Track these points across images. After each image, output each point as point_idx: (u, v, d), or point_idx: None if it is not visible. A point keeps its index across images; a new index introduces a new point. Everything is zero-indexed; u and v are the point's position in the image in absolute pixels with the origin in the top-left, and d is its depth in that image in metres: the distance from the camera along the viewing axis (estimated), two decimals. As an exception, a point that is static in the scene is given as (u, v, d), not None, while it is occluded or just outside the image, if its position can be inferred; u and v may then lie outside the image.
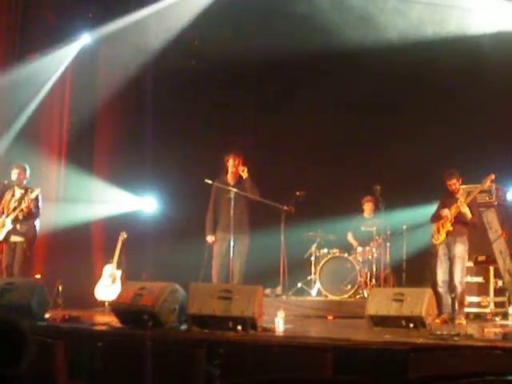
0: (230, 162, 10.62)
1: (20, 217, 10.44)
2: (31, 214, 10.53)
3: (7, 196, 10.67)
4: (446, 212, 10.00)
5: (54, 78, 12.90)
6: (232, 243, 10.23)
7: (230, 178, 10.65)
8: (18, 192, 10.62)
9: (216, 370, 5.59)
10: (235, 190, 10.32)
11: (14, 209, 10.48)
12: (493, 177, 9.88)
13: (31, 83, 12.46)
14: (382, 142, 12.32)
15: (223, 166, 10.75)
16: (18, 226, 10.46)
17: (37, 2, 13.06)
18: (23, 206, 10.40)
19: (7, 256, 10.53)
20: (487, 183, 10.02)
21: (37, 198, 10.51)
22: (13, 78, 12.13)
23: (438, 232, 10.06)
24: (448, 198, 10.14)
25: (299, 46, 12.39)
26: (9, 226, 10.43)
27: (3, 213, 10.60)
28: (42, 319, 8.69)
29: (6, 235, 10.45)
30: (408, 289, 9.14)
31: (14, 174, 10.60)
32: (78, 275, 12.01)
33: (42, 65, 12.63)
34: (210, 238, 10.59)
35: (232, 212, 10.25)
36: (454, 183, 10.05)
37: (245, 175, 10.50)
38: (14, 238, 10.48)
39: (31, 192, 10.48)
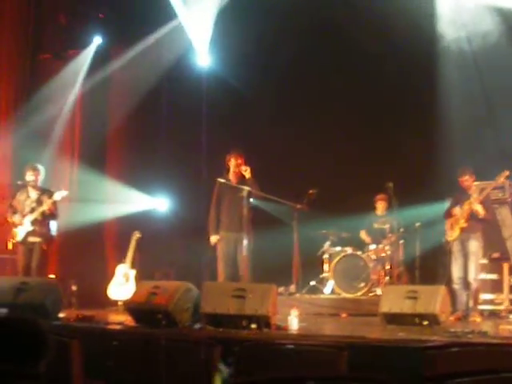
0: (232, 162, 10.56)
1: (39, 218, 10.47)
2: (53, 216, 10.57)
3: (20, 197, 10.65)
4: (456, 211, 9.99)
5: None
6: (244, 242, 10.22)
7: (232, 178, 10.62)
8: (34, 193, 10.60)
9: (230, 368, 5.59)
10: (248, 188, 10.30)
11: (32, 210, 10.50)
12: (507, 173, 9.85)
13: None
14: (394, 139, 12.29)
15: (225, 166, 10.73)
16: (36, 227, 10.48)
17: (49, 3, 13.15)
18: (45, 207, 10.42)
19: (24, 257, 10.53)
20: (501, 179, 10.00)
21: (53, 199, 10.52)
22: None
23: (452, 229, 10.04)
24: (461, 195, 10.13)
25: (312, 43, 12.44)
26: (28, 227, 10.45)
27: (15, 213, 10.61)
28: (56, 319, 8.73)
29: (25, 236, 10.48)
30: (421, 286, 9.13)
31: (30, 176, 10.59)
32: (92, 275, 12.06)
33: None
34: (214, 238, 10.48)
35: (245, 210, 10.22)
36: (467, 179, 10.03)
37: (247, 175, 10.45)
38: (33, 239, 10.50)
39: (50, 194, 10.50)
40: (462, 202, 10.00)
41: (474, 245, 9.89)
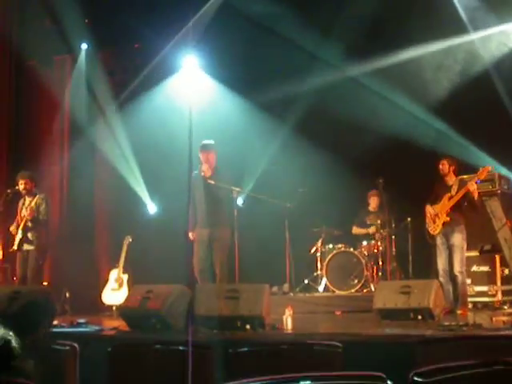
0: (201, 156, 10.10)
1: (29, 224, 10.48)
2: (38, 221, 10.55)
3: (19, 204, 10.73)
4: (428, 210, 10.01)
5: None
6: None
7: (204, 172, 10.03)
8: (28, 200, 10.67)
9: (225, 370, 5.57)
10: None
11: (23, 217, 10.53)
12: (489, 168, 9.90)
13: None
14: (384, 135, 12.26)
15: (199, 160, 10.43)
16: (29, 235, 10.49)
17: (33, 9, 13.06)
18: (25, 213, 10.44)
19: (21, 265, 10.57)
20: (483, 174, 9.96)
21: (41, 204, 10.53)
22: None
23: (434, 222, 10.01)
24: (440, 188, 10.13)
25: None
26: (19, 235, 10.48)
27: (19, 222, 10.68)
28: (49, 326, 8.68)
29: (18, 244, 10.50)
30: (415, 281, 9.18)
31: (21, 185, 10.62)
32: (85, 281, 12.04)
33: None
34: (191, 235, 10.01)
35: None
36: (443, 163, 10.03)
37: (207, 173, 10.08)
38: (26, 247, 10.52)
39: (36, 199, 10.53)
40: (441, 196, 10.01)
41: (458, 237, 9.86)
